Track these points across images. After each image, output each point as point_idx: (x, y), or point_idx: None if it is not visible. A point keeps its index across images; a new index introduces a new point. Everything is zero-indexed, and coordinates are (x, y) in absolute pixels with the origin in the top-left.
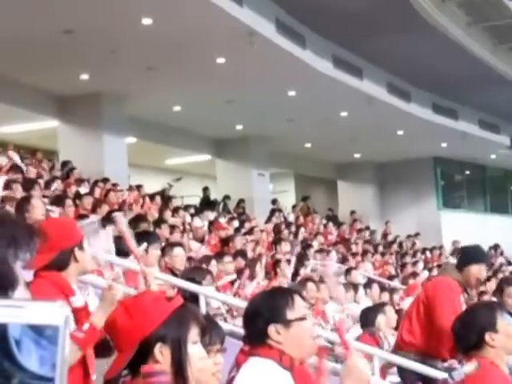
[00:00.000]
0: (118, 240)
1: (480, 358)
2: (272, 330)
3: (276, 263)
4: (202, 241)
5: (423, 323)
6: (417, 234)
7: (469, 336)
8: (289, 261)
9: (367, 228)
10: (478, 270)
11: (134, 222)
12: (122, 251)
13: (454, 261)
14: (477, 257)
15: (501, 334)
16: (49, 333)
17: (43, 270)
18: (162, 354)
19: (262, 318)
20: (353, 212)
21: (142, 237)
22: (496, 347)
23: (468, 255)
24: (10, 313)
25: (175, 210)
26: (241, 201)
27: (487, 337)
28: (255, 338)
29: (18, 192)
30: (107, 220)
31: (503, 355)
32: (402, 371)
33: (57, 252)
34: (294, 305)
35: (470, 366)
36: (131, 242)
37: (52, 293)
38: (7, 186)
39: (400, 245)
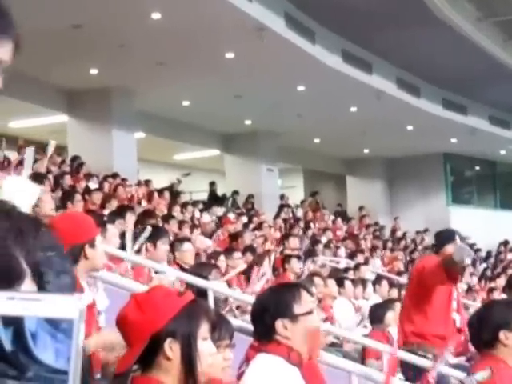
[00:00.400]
0: (123, 236)
1: (491, 359)
2: (279, 324)
3: (285, 259)
4: (210, 236)
5: (418, 304)
6: (426, 230)
7: (483, 333)
8: (298, 257)
9: (376, 224)
10: (451, 249)
11: (142, 217)
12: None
13: None
14: (450, 236)
15: None
16: (64, 326)
17: None
18: (172, 350)
19: (269, 313)
20: (361, 207)
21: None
22: (509, 346)
23: (441, 238)
24: (27, 306)
25: (184, 206)
26: (250, 196)
27: (501, 335)
28: (263, 333)
29: None
30: (116, 215)
31: None
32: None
33: (66, 247)
34: (301, 300)
35: (482, 374)
36: None
37: None
38: None
39: (412, 241)
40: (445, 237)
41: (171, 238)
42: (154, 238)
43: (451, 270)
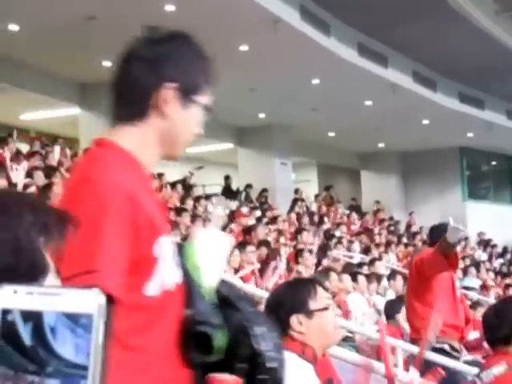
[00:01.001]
0: None
1: (506, 355)
2: (294, 320)
3: (298, 253)
4: (223, 230)
5: (423, 298)
6: None
7: (501, 328)
8: (311, 251)
9: (391, 218)
10: None
11: None
12: None
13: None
14: (444, 227)
15: None
16: (83, 321)
17: None
18: None
19: (285, 308)
20: (377, 202)
21: None
22: None
23: (438, 231)
24: (45, 300)
25: (197, 200)
26: (263, 190)
27: None
28: (278, 328)
29: (40, 179)
30: None
31: None
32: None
33: None
34: (317, 295)
35: (499, 368)
36: None
37: None
38: (29, 174)
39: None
40: (442, 230)
41: (183, 231)
42: None
43: (448, 254)
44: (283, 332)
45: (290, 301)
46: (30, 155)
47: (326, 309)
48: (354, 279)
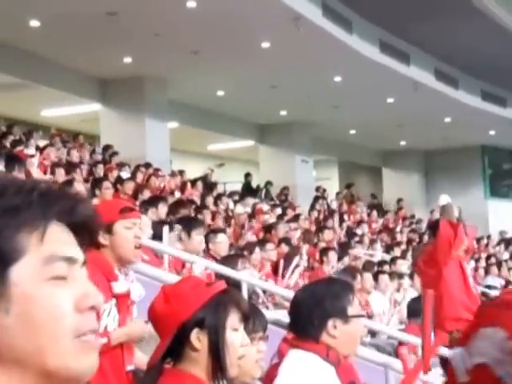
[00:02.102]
0: (156, 225)
1: None
2: (330, 324)
3: (323, 252)
4: (242, 227)
5: (438, 291)
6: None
7: None
8: (333, 249)
9: (412, 217)
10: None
11: (175, 207)
12: (158, 236)
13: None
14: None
15: None
16: None
17: None
18: (200, 340)
19: (324, 311)
20: (400, 200)
21: (184, 222)
22: None
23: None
24: None
25: (218, 197)
26: (284, 188)
27: None
28: (308, 329)
29: (61, 176)
30: (149, 204)
31: None
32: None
33: None
34: (354, 301)
35: None
36: None
37: (94, 274)
38: (51, 170)
39: None
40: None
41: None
42: (188, 228)
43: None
44: (315, 333)
45: (331, 304)
46: (44, 148)
47: (362, 316)
48: (375, 278)
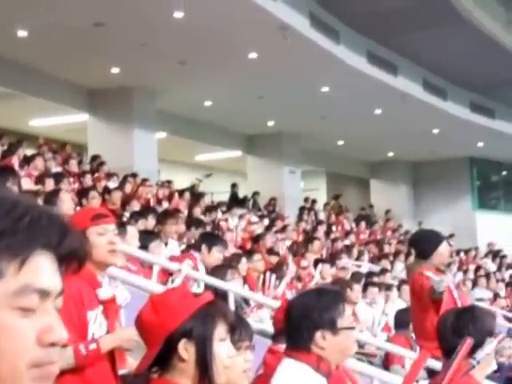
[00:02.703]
0: (143, 235)
1: None
2: (319, 335)
3: (315, 264)
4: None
5: (427, 319)
6: (451, 235)
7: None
8: (321, 260)
9: (399, 227)
10: (444, 248)
11: (162, 217)
12: (145, 246)
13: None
14: (438, 237)
15: None
16: None
17: None
18: (187, 351)
19: (312, 322)
20: (388, 211)
21: (205, 238)
22: None
23: (429, 241)
24: None
25: (208, 210)
26: (272, 199)
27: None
28: (297, 340)
29: (49, 186)
30: (139, 215)
31: None
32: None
33: None
34: (344, 312)
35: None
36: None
37: (79, 284)
38: (38, 180)
39: None
40: (433, 240)
41: (192, 240)
42: (209, 243)
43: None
44: (303, 344)
45: (318, 316)
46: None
47: (352, 328)
48: (364, 289)
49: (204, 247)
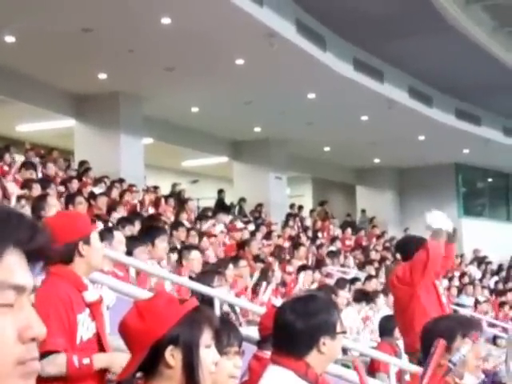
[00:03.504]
0: (130, 240)
1: None
2: (322, 341)
3: (300, 270)
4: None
5: (411, 311)
6: None
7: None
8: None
9: (383, 234)
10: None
11: (148, 222)
12: (130, 252)
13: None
14: (421, 240)
15: None
16: None
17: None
18: (174, 357)
19: (318, 327)
20: (373, 218)
21: (149, 232)
22: None
23: (412, 243)
24: None
25: (199, 218)
26: (259, 205)
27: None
28: (295, 346)
29: (36, 191)
30: (126, 221)
31: None
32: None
33: (60, 245)
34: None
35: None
36: None
37: (67, 289)
38: (25, 185)
39: None
40: (417, 241)
41: (178, 246)
42: (151, 238)
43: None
44: (300, 350)
45: (324, 321)
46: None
47: (345, 332)
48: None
49: (149, 244)
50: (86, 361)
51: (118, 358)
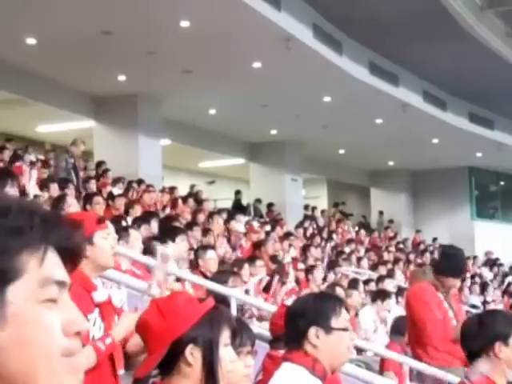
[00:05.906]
0: (147, 240)
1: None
2: (312, 332)
3: (308, 270)
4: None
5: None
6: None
7: (477, 337)
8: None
9: (395, 235)
10: (453, 284)
11: (165, 222)
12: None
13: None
14: (455, 272)
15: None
16: None
17: None
18: (193, 356)
19: (306, 318)
20: (387, 219)
21: (169, 231)
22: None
23: (448, 267)
24: None
25: (210, 216)
26: (270, 204)
27: (496, 347)
28: (293, 338)
29: (55, 191)
30: (141, 220)
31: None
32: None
33: None
34: (340, 314)
35: (487, 365)
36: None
37: (75, 290)
38: (44, 185)
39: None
40: (451, 268)
41: (195, 245)
42: (171, 238)
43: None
44: (298, 342)
45: (313, 312)
46: (42, 166)
47: (345, 329)
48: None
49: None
50: (108, 340)
51: (130, 320)
